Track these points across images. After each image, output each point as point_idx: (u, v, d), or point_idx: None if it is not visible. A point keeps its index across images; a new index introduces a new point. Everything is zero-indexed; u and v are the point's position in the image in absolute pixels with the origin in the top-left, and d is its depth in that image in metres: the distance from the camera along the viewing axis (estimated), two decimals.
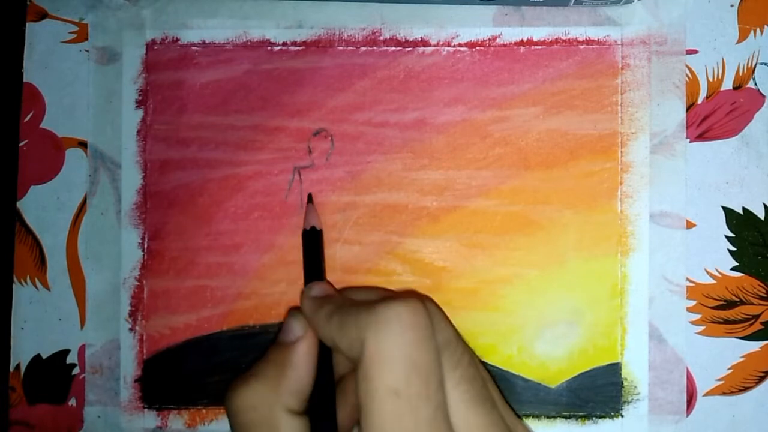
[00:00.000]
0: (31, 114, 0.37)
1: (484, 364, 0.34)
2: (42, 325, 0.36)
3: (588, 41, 0.36)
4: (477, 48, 0.36)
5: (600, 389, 0.35)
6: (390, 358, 0.23)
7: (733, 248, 0.35)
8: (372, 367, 0.23)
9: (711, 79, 0.36)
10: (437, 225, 0.36)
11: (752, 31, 0.36)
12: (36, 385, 0.36)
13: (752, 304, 0.35)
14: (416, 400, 0.23)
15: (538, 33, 0.36)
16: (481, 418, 0.24)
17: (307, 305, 0.28)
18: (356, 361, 0.24)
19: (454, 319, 0.35)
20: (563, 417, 0.35)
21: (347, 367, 0.28)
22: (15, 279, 0.37)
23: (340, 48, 0.36)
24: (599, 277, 0.35)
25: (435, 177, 0.36)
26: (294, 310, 0.29)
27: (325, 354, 0.27)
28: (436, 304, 0.27)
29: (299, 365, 0.27)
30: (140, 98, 0.37)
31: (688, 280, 0.35)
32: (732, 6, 0.36)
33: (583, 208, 0.35)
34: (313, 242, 0.33)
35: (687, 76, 0.36)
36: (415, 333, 0.24)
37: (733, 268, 0.35)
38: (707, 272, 0.35)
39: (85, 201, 0.37)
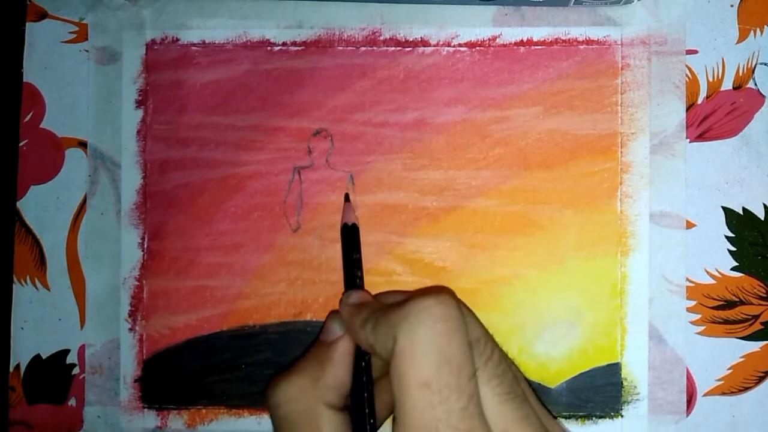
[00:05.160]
0: (31, 114, 0.37)
1: None
2: (42, 325, 0.36)
3: (588, 41, 0.36)
4: (477, 48, 0.36)
5: (600, 389, 0.35)
6: (420, 350, 0.24)
7: (733, 248, 0.35)
8: (403, 360, 0.24)
9: (711, 79, 0.36)
10: (437, 225, 0.36)
11: (752, 31, 0.36)
12: (36, 385, 0.36)
13: (752, 304, 0.35)
14: (447, 392, 0.23)
15: (538, 33, 0.36)
16: (513, 413, 0.25)
17: (345, 312, 0.29)
18: (389, 358, 0.24)
19: None
20: (563, 417, 0.35)
21: (382, 371, 0.29)
22: (15, 279, 0.37)
23: (340, 48, 0.36)
24: (599, 277, 0.35)
25: (435, 177, 0.36)
26: (334, 313, 0.30)
27: (363, 355, 0.29)
28: (464, 303, 0.28)
29: (338, 362, 0.28)
30: (140, 98, 0.37)
31: (688, 280, 0.35)
32: (732, 6, 0.36)
33: (583, 208, 0.35)
34: (350, 237, 0.33)
35: (687, 76, 0.36)
36: (444, 325, 0.24)
37: (733, 268, 0.35)
38: (707, 272, 0.35)
39: (84, 201, 0.36)
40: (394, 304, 0.27)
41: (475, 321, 0.27)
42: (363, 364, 0.28)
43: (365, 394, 0.28)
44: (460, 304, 0.26)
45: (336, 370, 0.28)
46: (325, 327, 0.30)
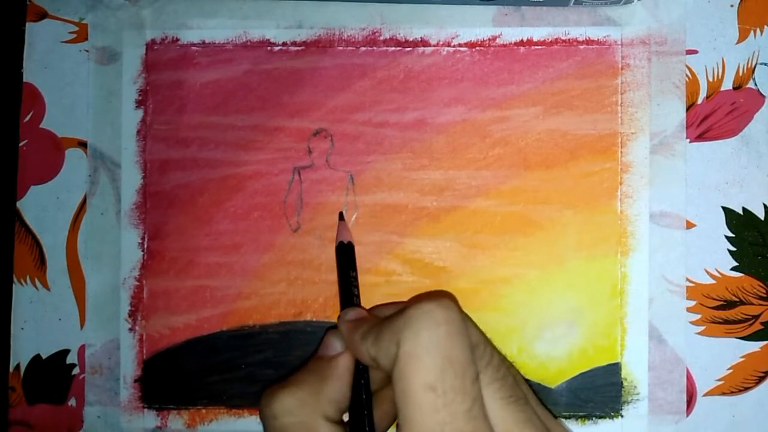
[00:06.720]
0: (31, 114, 0.37)
1: None
2: (42, 325, 0.36)
3: (588, 41, 0.36)
4: (477, 48, 0.36)
5: (600, 389, 0.35)
6: (424, 353, 0.24)
7: (733, 248, 0.35)
8: (407, 364, 0.24)
9: (711, 79, 0.36)
10: (437, 225, 0.36)
11: (752, 31, 0.36)
12: (36, 385, 0.36)
13: (752, 304, 0.35)
14: (452, 394, 0.23)
15: (538, 33, 0.36)
16: (515, 415, 0.25)
17: (345, 328, 0.29)
18: (392, 366, 0.24)
19: None
20: (563, 417, 0.35)
21: (381, 384, 0.30)
22: (15, 279, 0.37)
23: (340, 48, 0.36)
24: (599, 277, 0.35)
25: (435, 177, 0.36)
26: (332, 329, 0.30)
27: (362, 371, 0.29)
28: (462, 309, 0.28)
29: (339, 377, 0.28)
30: (140, 98, 0.37)
31: (688, 280, 0.35)
32: (732, 6, 0.36)
33: (583, 208, 0.35)
34: (345, 256, 0.33)
35: (687, 76, 0.36)
36: (447, 328, 0.24)
37: (733, 268, 0.35)
38: (707, 272, 0.35)
39: (84, 201, 0.37)
40: (394, 313, 0.27)
41: (474, 326, 0.27)
42: (362, 381, 0.28)
43: (365, 411, 0.28)
44: (461, 308, 0.26)
45: (337, 384, 0.28)
46: (324, 342, 0.30)
